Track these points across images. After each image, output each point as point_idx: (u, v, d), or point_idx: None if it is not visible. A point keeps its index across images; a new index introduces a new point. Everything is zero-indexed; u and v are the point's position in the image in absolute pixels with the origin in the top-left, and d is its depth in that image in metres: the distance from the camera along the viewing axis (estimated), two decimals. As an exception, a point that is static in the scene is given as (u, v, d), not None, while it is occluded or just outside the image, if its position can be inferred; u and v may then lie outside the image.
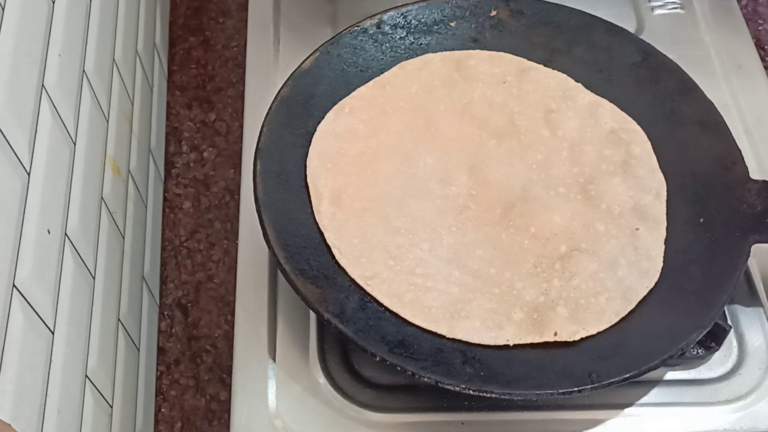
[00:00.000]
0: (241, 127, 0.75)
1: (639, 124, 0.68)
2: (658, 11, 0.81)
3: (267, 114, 0.64)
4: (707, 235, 0.61)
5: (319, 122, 0.66)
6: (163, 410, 0.76)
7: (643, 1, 0.82)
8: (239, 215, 0.69)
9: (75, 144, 0.62)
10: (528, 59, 0.71)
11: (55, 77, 0.59)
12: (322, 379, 0.61)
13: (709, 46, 0.78)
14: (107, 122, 0.70)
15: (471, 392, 0.53)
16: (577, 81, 0.70)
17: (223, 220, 0.85)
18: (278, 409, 0.60)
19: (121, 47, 0.75)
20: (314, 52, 0.68)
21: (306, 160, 0.64)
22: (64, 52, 0.61)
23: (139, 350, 0.73)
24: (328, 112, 0.67)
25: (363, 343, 0.55)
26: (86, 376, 0.60)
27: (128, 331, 0.70)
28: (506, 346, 0.57)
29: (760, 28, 0.89)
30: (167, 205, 0.86)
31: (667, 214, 0.64)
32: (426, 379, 0.53)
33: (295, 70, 0.67)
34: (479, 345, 0.57)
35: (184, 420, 0.75)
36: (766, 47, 0.88)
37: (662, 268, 0.61)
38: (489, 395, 0.53)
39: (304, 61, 0.68)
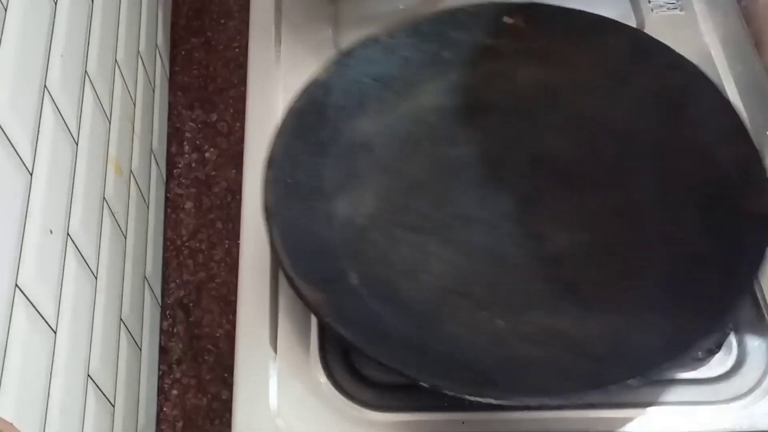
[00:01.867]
0: (243, 127, 0.76)
1: (652, 125, 0.67)
2: (657, 12, 0.81)
3: (280, 125, 0.65)
4: (719, 239, 0.61)
5: (331, 132, 0.66)
6: (165, 409, 0.76)
7: (643, 1, 0.82)
8: (241, 215, 0.69)
9: (77, 144, 0.62)
10: (541, 63, 0.71)
11: (57, 78, 0.59)
12: (323, 379, 0.61)
13: (709, 47, 0.78)
14: (109, 123, 0.70)
15: (469, 398, 0.53)
16: (589, 82, 0.70)
17: (225, 220, 0.85)
18: (280, 409, 0.60)
19: (123, 48, 0.76)
20: (328, 63, 0.68)
21: (316, 168, 0.64)
22: (67, 53, 0.61)
23: (141, 350, 0.73)
24: (340, 122, 0.67)
25: (363, 347, 0.55)
26: (88, 375, 0.60)
27: (130, 330, 0.70)
28: (507, 353, 0.57)
29: (760, 28, 0.89)
30: (169, 205, 0.87)
31: (679, 217, 0.63)
32: (425, 384, 0.53)
33: (308, 81, 0.67)
34: (478, 350, 0.57)
35: (186, 419, 0.76)
36: (765, 48, 0.88)
37: (671, 273, 0.60)
38: (487, 401, 0.53)
39: (317, 72, 0.68)
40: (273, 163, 0.62)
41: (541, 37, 0.72)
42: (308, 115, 0.66)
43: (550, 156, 0.68)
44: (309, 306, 0.56)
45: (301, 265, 0.58)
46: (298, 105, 0.66)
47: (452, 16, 0.72)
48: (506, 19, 0.72)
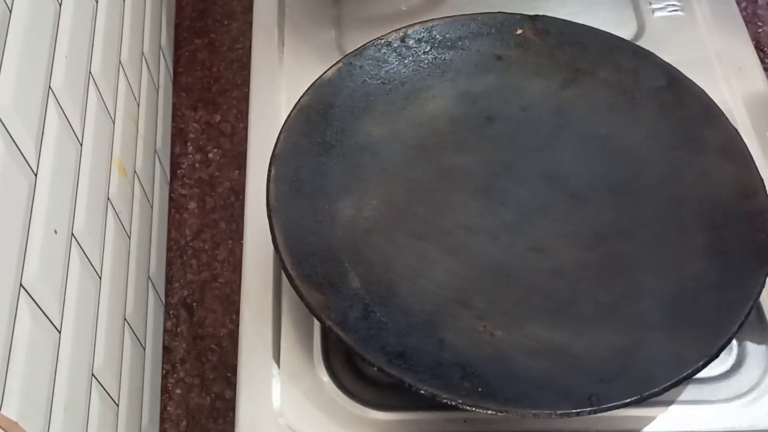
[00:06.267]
0: (246, 128, 0.76)
1: (660, 148, 0.67)
2: (658, 13, 0.81)
3: (285, 121, 0.65)
4: (722, 263, 0.60)
5: (336, 132, 0.66)
6: (168, 408, 0.76)
7: (644, 3, 0.82)
8: (244, 215, 0.70)
9: (81, 145, 0.62)
10: (552, 79, 0.71)
11: (61, 79, 0.59)
12: (326, 378, 0.61)
13: (709, 48, 0.78)
14: (113, 123, 0.70)
15: (468, 408, 0.53)
16: (599, 101, 0.70)
17: (228, 221, 0.85)
18: (282, 408, 0.60)
19: (127, 49, 0.76)
20: (337, 62, 0.68)
21: (320, 168, 0.65)
22: (71, 54, 0.61)
23: (144, 349, 0.73)
24: (346, 122, 0.67)
25: (363, 351, 0.55)
26: (92, 374, 0.60)
27: (134, 330, 0.71)
28: (506, 364, 0.57)
29: (760, 30, 0.90)
30: (173, 205, 0.87)
31: (682, 240, 0.63)
32: (423, 392, 0.53)
33: (316, 80, 0.67)
34: (478, 359, 0.57)
35: (190, 418, 0.76)
36: (765, 49, 0.88)
37: (674, 295, 0.60)
38: (485, 412, 0.53)
39: (326, 71, 0.68)
40: (278, 159, 0.62)
41: (552, 51, 0.72)
42: (315, 114, 0.66)
43: (555, 171, 0.68)
44: (309, 308, 0.56)
45: (303, 266, 0.58)
46: (305, 102, 0.66)
47: (465, 23, 0.72)
48: (519, 31, 0.71)
